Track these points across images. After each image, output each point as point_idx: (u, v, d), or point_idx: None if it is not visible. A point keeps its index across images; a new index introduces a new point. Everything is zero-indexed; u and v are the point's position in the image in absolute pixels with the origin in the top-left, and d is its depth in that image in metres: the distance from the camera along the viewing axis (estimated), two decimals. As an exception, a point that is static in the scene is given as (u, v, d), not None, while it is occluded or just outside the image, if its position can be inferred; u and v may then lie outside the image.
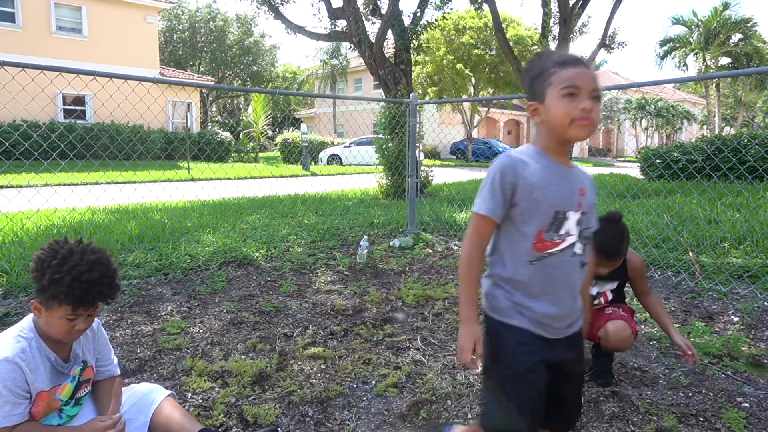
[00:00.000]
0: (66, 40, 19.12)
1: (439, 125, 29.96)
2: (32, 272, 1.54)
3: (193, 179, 11.82)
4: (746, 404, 2.18)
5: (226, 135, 22.97)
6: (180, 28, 35.48)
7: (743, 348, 2.68)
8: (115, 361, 1.85)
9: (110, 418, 1.60)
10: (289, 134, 24.87)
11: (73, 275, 1.47)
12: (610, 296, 2.47)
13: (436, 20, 10.17)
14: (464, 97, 26.61)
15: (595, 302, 2.49)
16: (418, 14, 9.48)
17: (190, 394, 2.24)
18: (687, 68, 28.00)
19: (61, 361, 1.61)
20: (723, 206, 6.24)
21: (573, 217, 1.34)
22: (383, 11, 9.31)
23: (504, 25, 19.33)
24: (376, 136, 9.01)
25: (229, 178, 11.84)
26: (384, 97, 9.59)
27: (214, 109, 40.39)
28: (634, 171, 14.67)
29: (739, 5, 27.42)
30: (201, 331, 2.97)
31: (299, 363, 2.56)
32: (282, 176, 14.66)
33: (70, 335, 1.56)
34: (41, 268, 1.50)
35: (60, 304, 1.49)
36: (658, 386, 2.36)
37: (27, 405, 1.51)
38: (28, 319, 1.60)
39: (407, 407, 2.18)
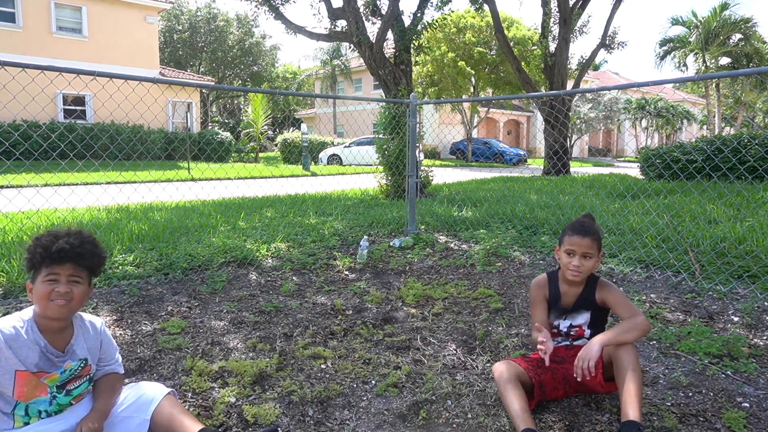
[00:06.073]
0: (66, 40, 19.12)
1: (439, 125, 29.98)
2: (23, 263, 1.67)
3: (193, 179, 11.83)
4: (746, 404, 2.18)
5: (227, 135, 22.99)
6: (180, 28, 35.49)
7: (743, 348, 2.68)
8: (120, 360, 1.88)
9: None
10: (289, 134, 24.90)
11: (46, 234, 1.62)
12: (587, 331, 2.24)
13: (436, 20, 10.17)
14: (464, 96, 26.62)
15: (570, 340, 2.26)
16: (419, 15, 9.48)
17: (190, 394, 2.24)
18: (686, 68, 28.02)
19: (53, 349, 1.64)
20: (723, 206, 6.24)
21: None
22: (383, 11, 9.31)
23: (504, 26, 19.35)
24: (376, 136, 9.00)
25: (229, 178, 11.85)
26: (384, 97, 9.60)
27: (214, 109, 40.41)
28: (634, 171, 14.67)
29: (738, 5, 27.44)
30: (201, 331, 2.97)
31: (299, 363, 2.57)
32: (282, 176, 14.68)
33: (51, 300, 1.57)
34: (27, 252, 1.63)
35: (39, 269, 1.58)
36: (658, 386, 2.36)
37: None
38: (29, 308, 1.67)
39: (407, 407, 2.17)
